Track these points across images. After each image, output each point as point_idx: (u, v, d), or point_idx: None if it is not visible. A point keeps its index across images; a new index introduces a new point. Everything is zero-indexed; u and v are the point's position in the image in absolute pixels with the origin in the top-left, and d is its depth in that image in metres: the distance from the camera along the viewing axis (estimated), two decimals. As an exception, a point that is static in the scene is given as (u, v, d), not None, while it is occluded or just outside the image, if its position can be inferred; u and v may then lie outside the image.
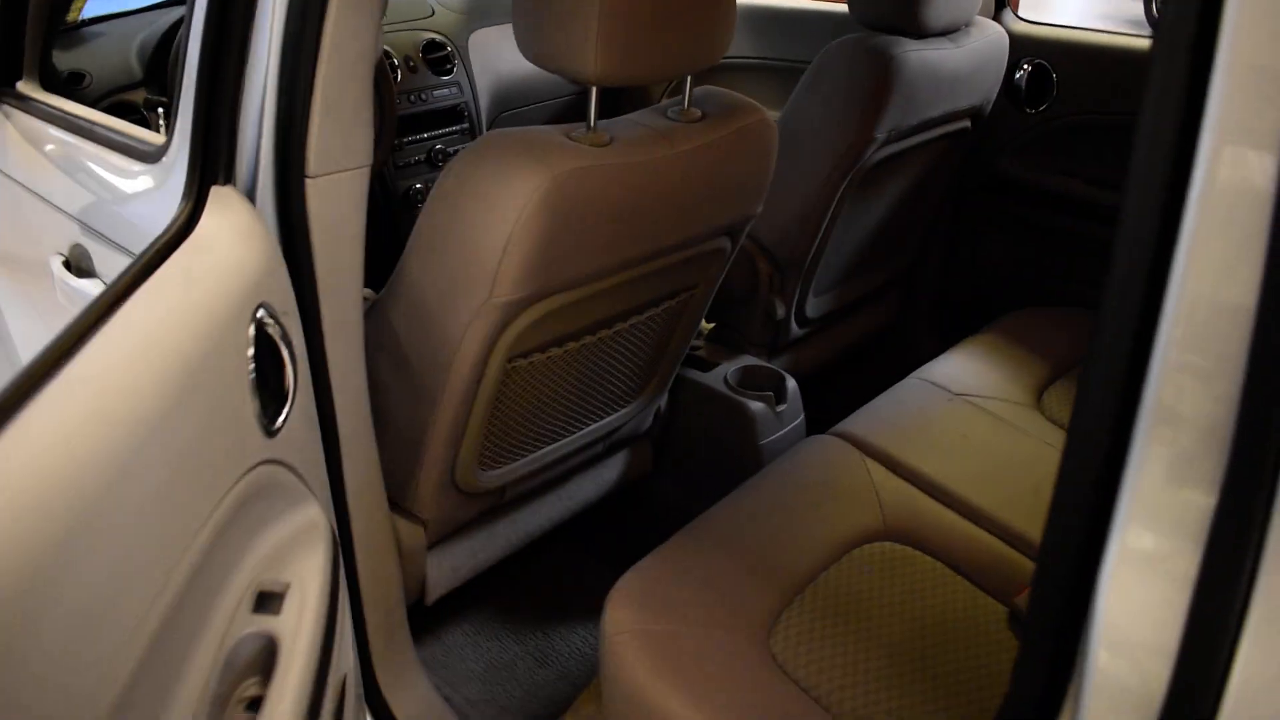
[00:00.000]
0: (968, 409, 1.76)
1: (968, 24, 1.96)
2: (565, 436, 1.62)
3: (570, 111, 2.70)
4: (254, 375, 0.95)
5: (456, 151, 2.35)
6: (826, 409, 2.01)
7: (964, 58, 1.91)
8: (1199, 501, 0.56)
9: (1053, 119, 2.22)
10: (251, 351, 0.95)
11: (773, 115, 2.53)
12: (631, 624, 1.25)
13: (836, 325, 2.26)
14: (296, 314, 1.09)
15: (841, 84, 1.76)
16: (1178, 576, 0.56)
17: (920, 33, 1.82)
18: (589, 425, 1.65)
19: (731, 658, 1.22)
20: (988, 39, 1.99)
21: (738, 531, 1.42)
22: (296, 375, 1.05)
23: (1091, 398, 0.62)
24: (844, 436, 1.65)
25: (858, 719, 1.17)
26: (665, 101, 1.41)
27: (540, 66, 1.22)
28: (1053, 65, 2.19)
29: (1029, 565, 1.45)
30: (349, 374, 1.23)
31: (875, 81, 1.73)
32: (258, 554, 0.93)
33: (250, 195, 1.12)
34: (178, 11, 2.16)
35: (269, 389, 0.98)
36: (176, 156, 1.20)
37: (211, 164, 1.11)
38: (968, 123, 2.10)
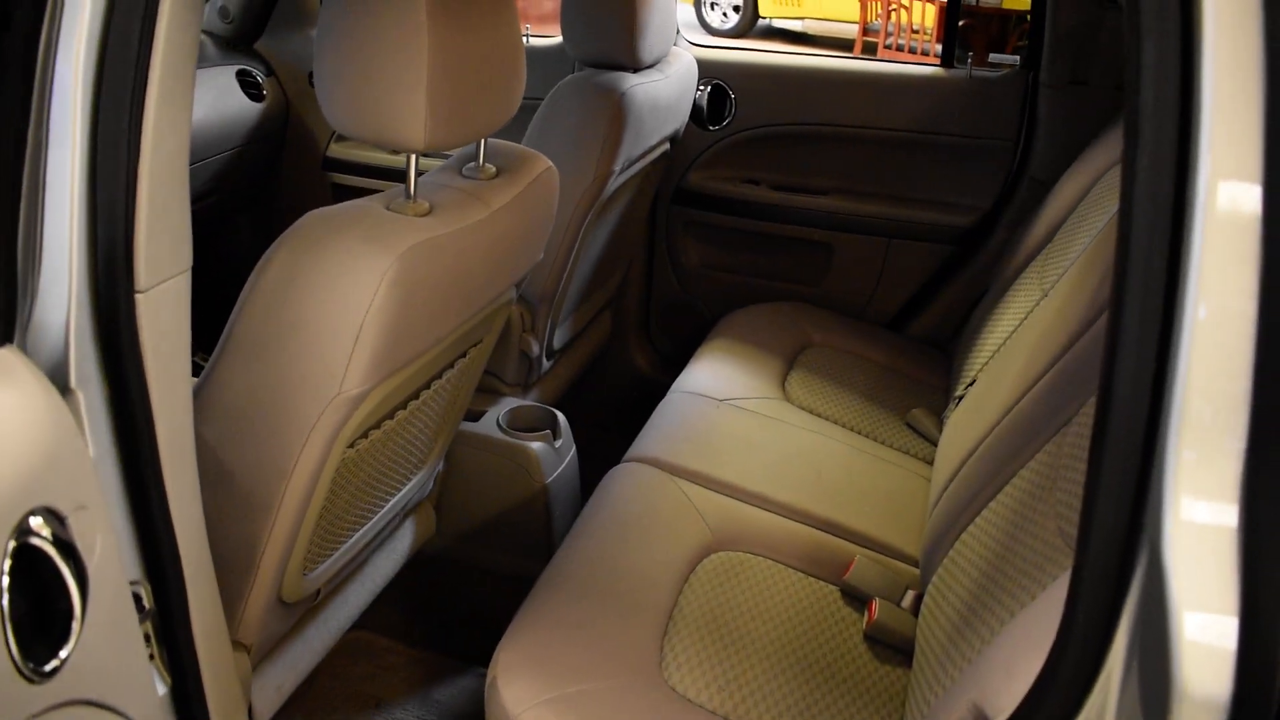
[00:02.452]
0: (735, 413, 1.88)
1: (667, 54, 2.08)
2: (374, 516, 1.54)
3: (239, 165, 2.52)
4: (8, 613, 0.75)
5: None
6: (579, 436, 2.05)
7: (671, 86, 2.03)
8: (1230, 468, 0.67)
9: (733, 133, 2.41)
10: (5, 581, 0.76)
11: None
12: (535, 696, 1.22)
13: (573, 351, 2.31)
14: (97, 502, 0.89)
15: (579, 123, 1.81)
16: (1226, 538, 0.67)
17: (636, 67, 1.91)
18: (392, 499, 1.58)
19: (641, 704, 1.23)
20: (684, 65, 2.13)
21: (591, 577, 1.43)
22: (86, 591, 0.84)
23: (1119, 406, 0.71)
24: (646, 461, 1.70)
25: None
26: (452, 160, 1.38)
27: (359, 139, 1.15)
28: (729, 85, 2.37)
29: (841, 544, 1.59)
30: (189, 504, 1.09)
31: (611, 118, 1.80)
32: None
33: (63, 327, 0.95)
34: None
35: (37, 622, 0.79)
36: None
37: None
38: (669, 145, 2.23)
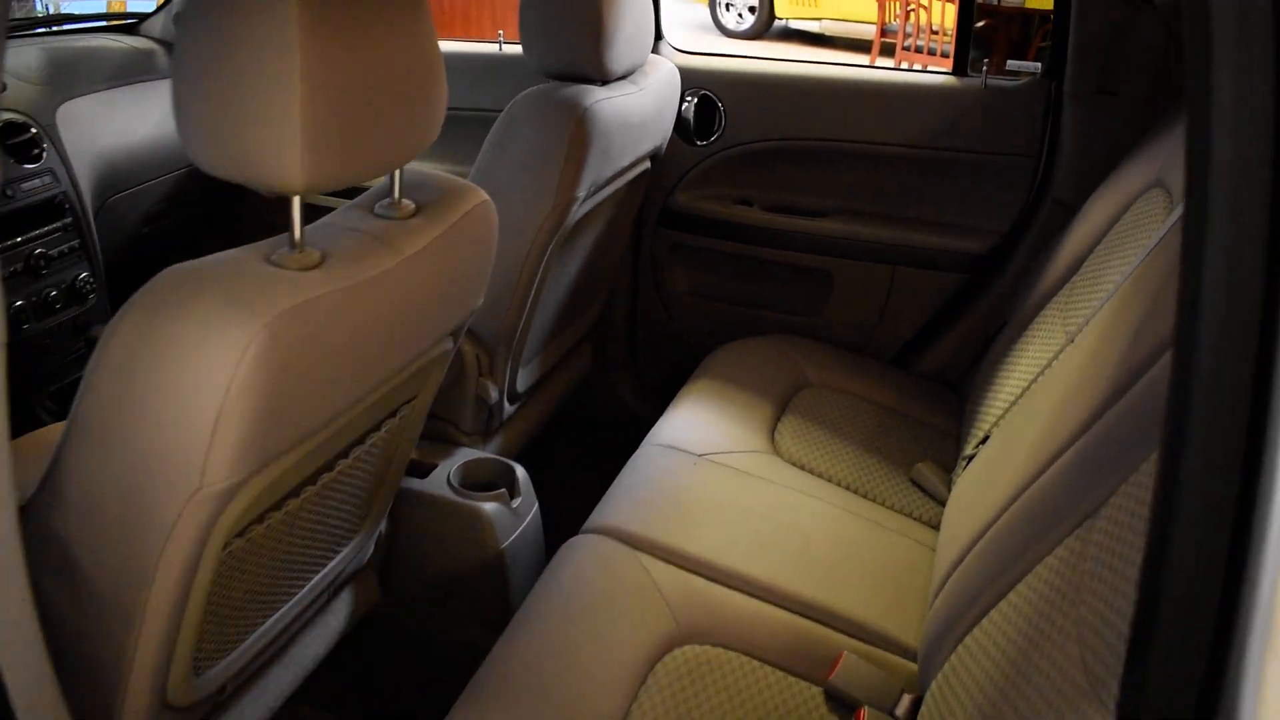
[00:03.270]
0: (714, 471, 1.66)
1: (643, 64, 1.87)
2: (289, 600, 1.34)
3: (195, 184, 2.33)
4: None
5: (63, 253, 1.94)
6: (552, 485, 1.85)
7: (647, 100, 1.82)
8: None
9: (723, 149, 2.19)
10: None
11: (449, 169, 2.31)
12: None
13: (543, 391, 2.10)
14: None
15: (535, 143, 1.60)
16: None
17: (605, 79, 1.70)
18: (313, 579, 1.38)
19: None
20: (663, 76, 1.92)
21: (536, 675, 1.23)
22: None
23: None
24: (607, 532, 1.49)
25: None
26: (367, 195, 1.17)
27: (227, 178, 0.95)
28: (718, 96, 2.16)
29: (828, 635, 1.38)
30: (19, 629, 0.89)
31: (572, 138, 1.59)
32: None
33: None
34: None
35: None
36: None
37: None
38: (649, 163, 2.02)
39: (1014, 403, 1.53)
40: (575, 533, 1.54)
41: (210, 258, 0.98)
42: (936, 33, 7.85)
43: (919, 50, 7.98)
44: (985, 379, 1.80)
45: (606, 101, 1.66)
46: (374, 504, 1.46)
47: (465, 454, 1.76)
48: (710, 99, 2.17)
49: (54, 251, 1.94)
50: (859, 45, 9.64)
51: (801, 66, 2.15)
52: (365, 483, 1.38)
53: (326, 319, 0.96)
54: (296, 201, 0.97)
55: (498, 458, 1.75)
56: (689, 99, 2.16)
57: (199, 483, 0.93)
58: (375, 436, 1.29)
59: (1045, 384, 1.44)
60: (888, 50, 8.57)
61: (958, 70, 2.08)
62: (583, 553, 1.44)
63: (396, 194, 1.13)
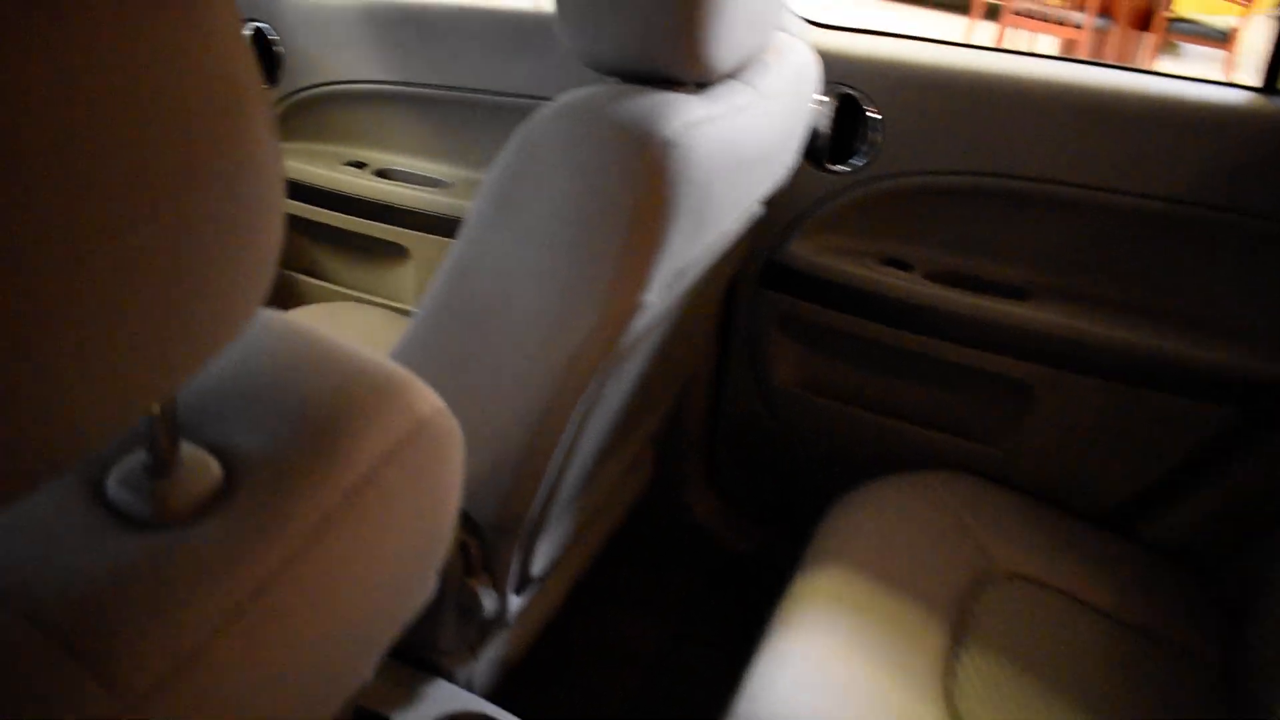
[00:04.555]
0: None
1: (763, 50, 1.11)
2: None
3: None
4: None
5: None
6: (590, 674, 1.16)
7: (773, 113, 1.06)
8: None
9: (869, 180, 1.44)
10: None
11: (446, 175, 1.61)
12: None
13: (577, 542, 1.39)
14: None
15: (574, 202, 0.85)
16: None
17: (703, 80, 0.94)
18: None
19: None
20: (795, 70, 1.15)
21: None
22: None
23: None
24: None
25: None
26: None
27: None
28: (872, 98, 1.40)
29: None
30: None
31: (645, 195, 0.84)
32: None
33: None
34: None
35: None
36: None
37: None
38: (762, 208, 1.28)
39: None
40: None
41: None
42: (1053, -5, 6.90)
43: (1031, 16, 7.03)
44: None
45: (710, 126, 0.90)
46: None
47: (437, 701, 1.06)
48: (855, 102, 1.41)
49: None
50: (954, 5, 8.70)
51: (1008, 59, 1.38)
52: None
53: None
54: None
55: (491, 714, 1.04)
56: (822, 98, 1.41)
57: None
58: None
59: None
60: (993, 14, 7.63)
61: (1268, 86, 1.30)
62: None
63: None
